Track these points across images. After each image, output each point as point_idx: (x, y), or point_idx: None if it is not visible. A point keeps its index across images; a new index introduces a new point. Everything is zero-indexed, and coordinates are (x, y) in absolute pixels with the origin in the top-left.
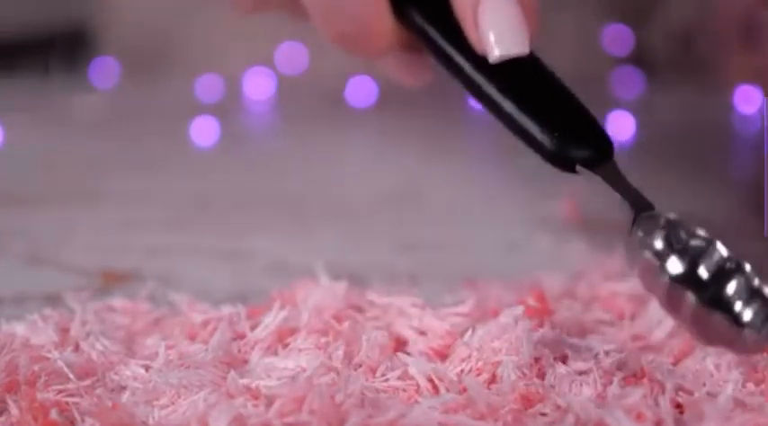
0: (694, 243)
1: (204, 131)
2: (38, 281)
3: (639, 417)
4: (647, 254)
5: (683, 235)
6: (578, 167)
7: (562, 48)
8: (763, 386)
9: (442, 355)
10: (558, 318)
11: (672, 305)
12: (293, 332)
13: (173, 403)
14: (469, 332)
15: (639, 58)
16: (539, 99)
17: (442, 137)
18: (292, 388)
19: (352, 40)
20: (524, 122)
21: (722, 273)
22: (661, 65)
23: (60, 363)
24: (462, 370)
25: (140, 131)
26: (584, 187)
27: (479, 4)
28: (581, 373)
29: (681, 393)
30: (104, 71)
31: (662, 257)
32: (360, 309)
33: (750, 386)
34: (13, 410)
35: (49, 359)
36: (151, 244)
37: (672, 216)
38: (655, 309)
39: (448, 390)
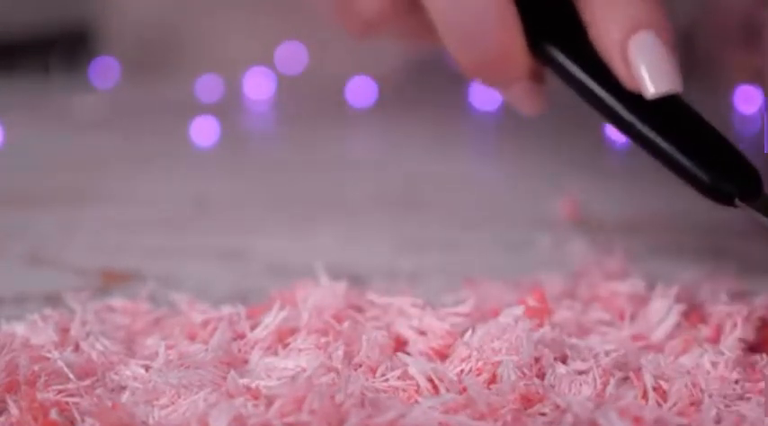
0: None
1: (204, 131)
2: (38, 281)
3: (636, 421)
4: None
5: None
6: (737, 201)
7: None
8: (761, 385)
9: (442, 355)
10: (558, 318)
11: None
12: (293, 332)
13: (173, 403)
14: (469, 332)
15: None
16: (691, 135)
17: (442, 137)
18: (292, 388)
19: (487, 69)
20: (681, 159)
21: None
22: None
23: (60, 363)
24: (462, 370)
25: (140, 131)
26: (585, 187)
27: (629, 40)
28: (581, 373)
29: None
30: (104, 71)
31: None
32: (360, 309)
33: (747, 385)
34: (13, 410)
35: (48, 359)
36: (151, 244)
37: None
38: (655, 309)
39: (448, 390)
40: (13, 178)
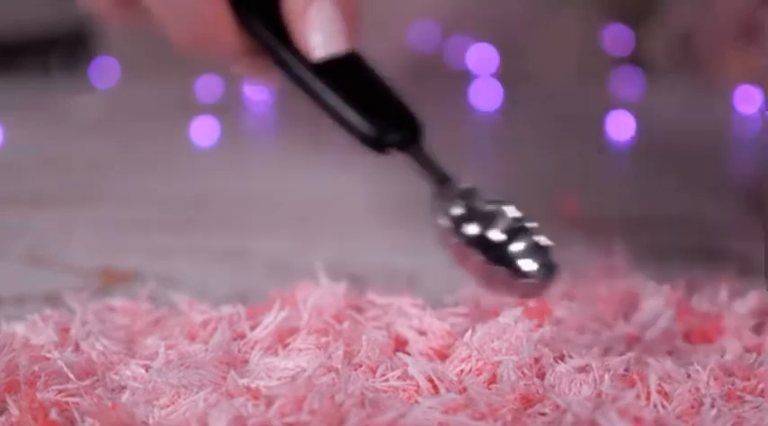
0: (487, 208)
1: (204, 131)
2: (38, 281)
3: (636, 421)
4: (442, 220)
5: (475, 202)
6: (387, 148)
7: (562, 48)
8: (759, 385)
9: (442, 355)
10: (557, 318)
11: (462, 261)
12: (293, 332)
13: (173, 403)
14: (469, 332)
15: (639, 58)
16: (357, 93)
17: (442, 137)
18: (292, 388)
19: (196, 46)
20: (344, 113)
21: (509, 232)
22: (661, 65)
23: (60, 363)
24: (462, 370)
25: (140, 131)
26: (585, 187)
27: (307, 8)
28: (580, 372)
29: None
30: (104, 71)
31: (455, 222)
32: (359, 309)
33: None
34: (14, 410)
35: (48, 359)
36: (151, 244)
37: (468, 185)
38: (650, 308)
39: (448, 390)
40: (13, 178)
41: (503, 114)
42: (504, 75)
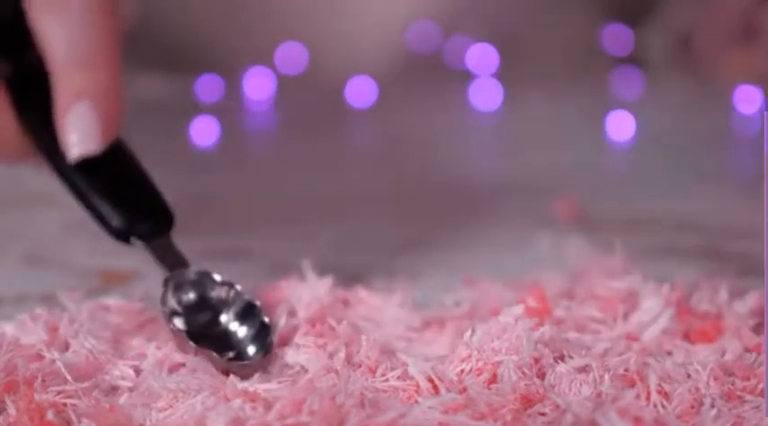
0: (218, 292)
1: (204, 131)
2: (38, 281)
3: (636, 421)
4: (164, 307)
5: (207, 286)
6: (132, 239)
7: (562, 48)
8: (759, 385)
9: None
10: (557, 318)
11: (179, 345)
12: (290, 332)
13: (170, 407)
14: (469, 331)
15: (639, 58)
16: (111, 186)
17: (442, 137)
18: (292, 391)
19: None
20: (97, 206)
21: (239, 314)
22: (661, 65)
23: (59, 364)
24: (462, 370)
25: (140, 131)
26: (585, 187)
27: (68, 109)
28: (580, 372)
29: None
30: None
31: (187, 308)
32: (347, 303)
33: (739, 383)
34: (11, 410)
35: (44, 358)
36: None
37: (197, 271)
38: (649, 308)
39: (448, 390)
40: (13, 178)
41: (503, 114)
42: (504, 75)
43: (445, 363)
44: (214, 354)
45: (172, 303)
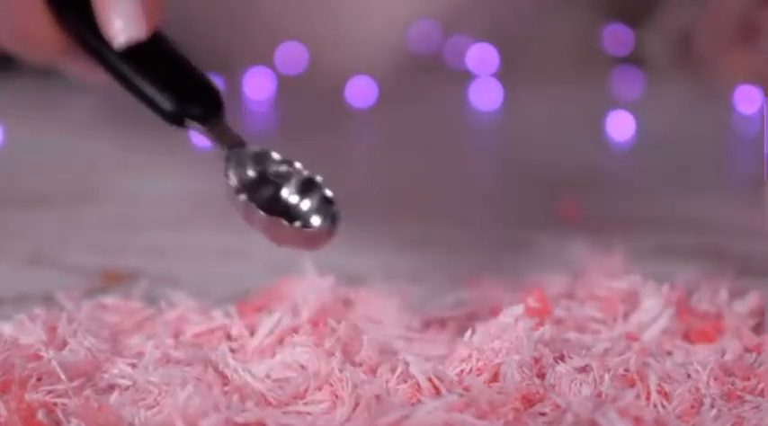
0: (277, 168)
1: None
2: (38, 281)
3: (636, 421)
4: (230, 180)
5: (267, 164)
6: (187, 121)
7: (562, 48)
8: (759, 385)
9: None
10: (557, 318)
11: (248, 218)
12: (290, 331)
13: (158, 403)
14: (469, 331)
15: (639, 58)
16: (159, 72)
17: (442, 137)
18: (291, 387)
19: (21, 46)
20: (147, 92)
21: (300, 189)
22: (661, 65)
23: (54, 363)
24: (462, 370)
25: (140, 131)
26: (585, 187)
27: (106, 1)
28: (580, 372)
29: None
30: None
31: (249, 184)
32: (347, 303)
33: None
34: (2, 410)
35: (42, 357)
36: (151, 244)
37: (259, 149)
38: (649, 308)
39: (449, 390)
40: (13, 178)
41: (503, 114)
42: (504, 75)
43: (445, 363)
44: (284, 222)
45: (234, 180)
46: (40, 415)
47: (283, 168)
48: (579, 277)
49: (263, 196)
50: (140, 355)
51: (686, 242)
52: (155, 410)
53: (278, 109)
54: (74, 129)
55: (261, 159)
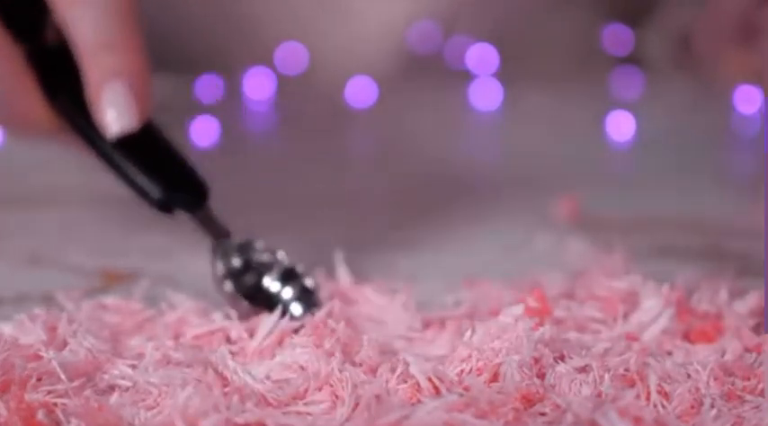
0: (261, 258)
1: (204, 131)
2: (38, 281)
3: (636, 421)
4: (217, 269)
5: (251, 253)
6: (175, 210)
7: (562, 48)
8: (759, 385)
9: None
10: (557, 318)
11: (233, 305)
12: (290, 332)
13: (158, 404)
14: (469, 331)
15: (639, 58)
16: (148, 159)
17: (442, 138)
18: (291, 388)
19: (7, 124)
20: (137, 179)
21: (281, 277)
22: (661, 65)
23: (54, 363)
24: (462, 370)
25: None
26: (585, 187)
27: (102, 87)
28: (580, 372)
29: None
30: None
31: (233, 273)
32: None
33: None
34: (2, 410)
35: (43, 358)
36: (151, 243)
37: (242, 240)
38: (649, 308)
39: (449, 390)
40: (13, 178)
41: (503, 114)
42: (504, 75)
43: (445, 363)
44: (265, 312)
45: (220, 268)
46: (40, 415)
47: (266, 257)
48: (579, 277)
49: (246, 284)
50: (141, 356)
51: (686, 242)
52: (155, 410)
53: (278, 109)
54: None
55: (245, 249)
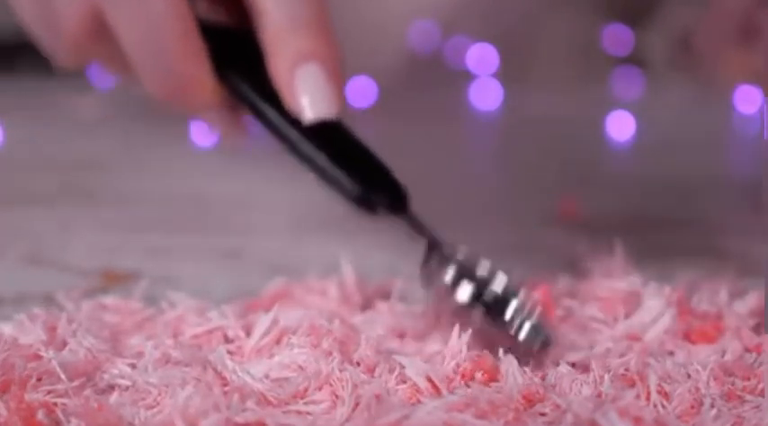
0: (481, 272)
1: (204, 131)
2: (38, 281)
3: (636, 421)
4: (441, 281)
5: (467, 266)
6: (381, 211)
7: (562, 48)
8: (759, 385)
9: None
10: (557, 317)
11: (461, 321)
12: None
13: (158, 404)
14: (469, 331)
15: (639, 58)
16: (347, 154)
17: (443, 138)
18: (290, 387)
19: (175, 96)
20: (334, 174)
21: (501, 297)
22: (661, 65)
23: (54, 363)
24: (458, 364)
25: (140, 131)
26: (585, 187)
27: (295, 71)
28: (581, 372)
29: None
30: (104, 71)
31: (454, 284)
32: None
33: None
34: (2, 410)
35: (43, 358)
36: (151, 244)
37: (462, 251)
38: (648, 308)
39: (449, 390)
40: (13, 178)
41: (503, 114)
42: (504, 75)
43: (439, 359)
44: (501, 331)
45: (448, 277)
46: (40, 415)
47: (483, 269)
48: (580, 277)
49: (466, 295)
50: (140, 355)
51: (686, 242)
52: (155, 410)
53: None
54: (74, 129)
55: (463, 257)
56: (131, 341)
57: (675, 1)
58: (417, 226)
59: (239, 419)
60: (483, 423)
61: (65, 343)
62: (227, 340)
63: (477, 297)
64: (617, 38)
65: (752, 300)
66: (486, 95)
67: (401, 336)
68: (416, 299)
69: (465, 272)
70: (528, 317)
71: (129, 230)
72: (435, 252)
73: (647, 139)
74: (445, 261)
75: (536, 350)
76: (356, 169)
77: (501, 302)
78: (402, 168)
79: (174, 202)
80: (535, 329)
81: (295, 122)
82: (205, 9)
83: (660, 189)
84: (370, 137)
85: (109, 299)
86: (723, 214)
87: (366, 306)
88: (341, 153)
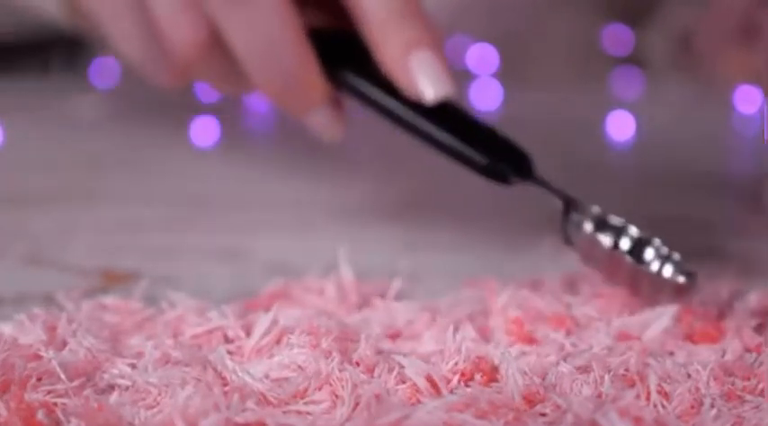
0: (614, 223)
1: (204, 131)
2: (38, 281)
3: (636, 421)
4: (584, 233)
5: (606, 218)
6: (512, 178)
7: (562, 48)
8: (759, 385)
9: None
10: (557, 317)
11: (611, 269)
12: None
13: (157, 403)
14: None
15: (639, 58)
16: (469, 129)
17: None
18: (290, 387)
19: (286, 95)
20: (463, 148)
21: (639, 243)
22: (661, 65)
23: (54, 363)
24: (456, 363)
25: (140, 131)
26: (585, 187)
27: (408, 59)
28: (582, 372)
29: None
30: (104, 71)
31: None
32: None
33: (740, 383)
34: (2, 410)
35: (42, 358)
36: (151, 244)
37: (596, 207)
38: (650, 308)
39: (448, 390)
40: (13, 178)
41: (503, 114)
42: (504, 75)
43: (437, 357)
44: (649, 273)
45: (588, 227)
46: (40, 415)
47: (617, 220)
48: (580, 276)
49: (606, 244)
50: (140, 355)
51: (686, 242)
52: (155, 410)
53: (278, 109)
54: (74, 129)
55: (597, 210)
56: (131, 341)
57: (675, 1)
58: (550, 187)
59: (239, 419)
60: (483, 423)
61: (65, 343)
62: (227, 340)
63: (616, 244)
64: (617, 38)
65: (753, 300)
66: (486, 95)
67: (395, 336)
68: (415, 298)
69: (601, 223)
70: (668, 257)
71: (129, 230)
72: (572, 209)
73: (647, 139)
74: (582, 215)
75: (684, 284)
76: (480, 142)
77: (638, 246)
78: (402, 168)
79: (173, 202)
80: (677, 265)
81: (414, 106)
82: (309, 14)
83: (660, 188)
84: (371, 137)
85: (109, 299)
86: (723, 214)
87: (363, 305)
88: (462, 129)
